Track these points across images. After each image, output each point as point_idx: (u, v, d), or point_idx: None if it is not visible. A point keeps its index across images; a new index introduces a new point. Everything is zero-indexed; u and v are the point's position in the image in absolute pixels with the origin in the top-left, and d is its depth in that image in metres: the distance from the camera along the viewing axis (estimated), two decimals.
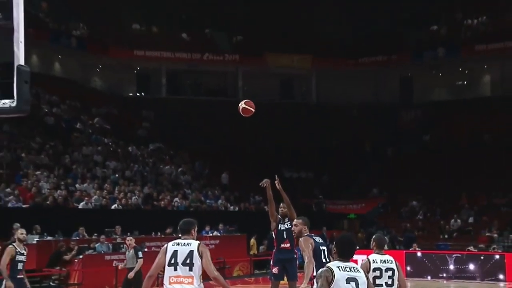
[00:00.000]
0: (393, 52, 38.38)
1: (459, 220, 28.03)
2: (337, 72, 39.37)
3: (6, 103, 5.16)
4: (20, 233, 10.42)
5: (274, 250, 10.19)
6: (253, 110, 8.46)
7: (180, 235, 6.62)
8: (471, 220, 28.19)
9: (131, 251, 13.25)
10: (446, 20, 38.89)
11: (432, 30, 38.82)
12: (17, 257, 10.09)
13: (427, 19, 38.80)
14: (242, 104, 8.56)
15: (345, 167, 33.79)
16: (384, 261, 6.76)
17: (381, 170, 34.18)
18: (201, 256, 6.34)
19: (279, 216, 10.18)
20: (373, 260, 6.76)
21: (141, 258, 12.91)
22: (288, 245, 9.96)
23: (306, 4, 39.54)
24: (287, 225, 10.00)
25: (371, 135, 36.82)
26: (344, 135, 36.40)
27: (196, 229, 6.69)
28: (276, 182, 9.77)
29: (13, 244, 10.34)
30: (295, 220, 8.35)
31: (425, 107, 37.92)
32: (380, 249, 6.94)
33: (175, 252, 6.37)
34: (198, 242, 6.49)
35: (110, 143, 27.87)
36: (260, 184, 9.92)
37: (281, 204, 10.12)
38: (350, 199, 31.89)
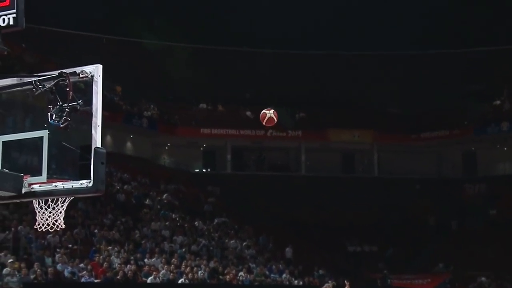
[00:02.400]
0: (456, 127, 37.82)
1: None
2: (399, 146, 38.94)
3: (84, 183, 5.35)
4: None
5: None
6: (275, 121, 8.47)
7: None
8: None
9: None
10: (509, 95, 38.24)
11: (495, 105, 38.25)
12: None
13: (489, 93, 38.29)
14: (270, 113, 8.45)
15: (409, 241, 32.81)
16: None
17: (446, 244, 32.99)
18: None
19: None
20: None
21: None
22: None
23: (366, 80, 39.77)
24: None
25: (434, 209, 35.84)
26: (407, 208, 35.55)
27: None
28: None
29: None
30: None
31: (489, 181, 36.80)
32: None
33: None
34: None
35: (177, 218, 28.14)
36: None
37: None
38: (415, 274, 30.76)
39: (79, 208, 23.65)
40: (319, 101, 39.48)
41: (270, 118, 8.11)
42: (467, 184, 37.55)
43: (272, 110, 8.31)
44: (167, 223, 26.71)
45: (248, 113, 39.62)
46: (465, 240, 32.40)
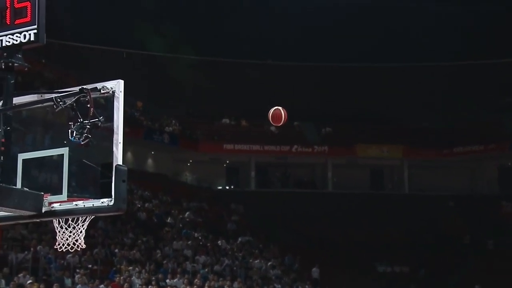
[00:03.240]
0: (491, 141, 37.34)
1: None
2: (430, 162, 38.57)
3: (105, 202, 5.39)
4: None
5: None
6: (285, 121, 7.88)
7: None
8: None
9: None
10: None
11: None
12: None
13: None
14: (283, 111, 7.94)
15: (443, 261, 32.32)
16: None
17: (482, 264, 32.44)
18: None
19: None
20: None
21: None
22: None
23: (395, 92, 39.59)
24: None
25: (469, 227, 35.32)
26: (440, 227, 35.10)
27: None
28: None
29: None
30: None
31: None
32: None
33: None
34: None
35: (200, 237, 28.16)
36: None
37: None
38: None
39: (99, 227, 23.81)
40: (346, 115, 39.39)
41: (275, 115, 7.54)
42: (504, 201, 36.97)
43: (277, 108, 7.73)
44: (189, 242, 26.73)
45: (273, 128, 39.64)
46: (502, 260, 31.82)
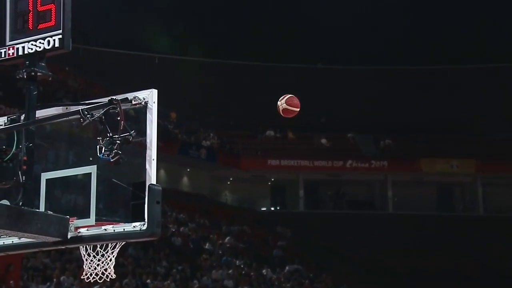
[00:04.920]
0: None
1: None
2: (508, 178, 37.84)
3: (137, 226, 5.44)
4: None
5: None
6: (297, 110, 6.99)
7: None
8: None
9: None
10: None
11: None
12: None
13: None
14: (283, 104, 7.10)
15: None
16: None
17: None
18: None
19: None
20: None
21: None
22: None
23: (466, 99, 39.09)
24: None
25: None
26: None
27: None
28: None
29: None
30: None
31: None
32: None
33: None
34: None
35: (242, 265, 28.18)
36: None
37: None
38: None
39: (129, 255, 24.05)
40: (409, 125, 39.02)
41: (284, 110, 6.78)
42: None
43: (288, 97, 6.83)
44: (230, 271, 26.76)
45: (323, 140, 39.55)
46: None
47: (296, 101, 7.30)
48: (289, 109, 7.24)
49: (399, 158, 38.37)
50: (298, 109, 7.12)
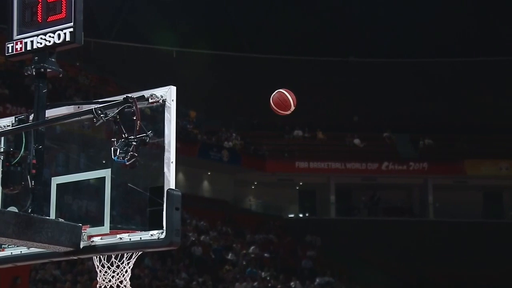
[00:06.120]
0: None
1: None
2: None
3: (154, 234, 5.46)
4: None
5: None
6: (292, 106, 6.18)
7: None
8: None
9: None
10: None
11: None
12: None
13: None
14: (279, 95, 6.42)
15: None
16: None
17: None
18: None
19: None
20: None
21: None
22: None
23: None
24: None
25: None
26: None
27: None
28: None
29: None
30: None
31: None
32: None
33: None
34: None
35: (268, 278, 28.18)
36: None
37: None
38: None
39: (146, 266, 24.18)
40: (452, 122, 38.75)
41: (278, 101, 6.11)
42: None
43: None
44: (255, 283, 26.78)
45: (357, 141, 39.39)
46: None
47: (287, 99, 6.67)
48: (282, 99, 6.59)
49: (440, 160, 38.11)
50: (292, 106, 6.49)
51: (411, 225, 37.04)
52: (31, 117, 5.85)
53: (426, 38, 41.20)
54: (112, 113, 5.45)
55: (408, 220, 37.38)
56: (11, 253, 5.98)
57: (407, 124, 39.61)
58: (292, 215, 39.39)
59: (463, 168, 38.10)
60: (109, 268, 5.90)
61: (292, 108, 6.69)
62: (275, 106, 6.71)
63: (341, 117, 40.45)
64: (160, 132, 5.52)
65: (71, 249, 5.66)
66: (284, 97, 6.68)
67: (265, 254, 30.60)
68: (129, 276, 5.93)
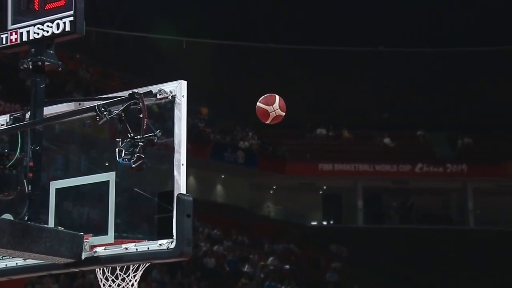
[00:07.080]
0: None
1: None
2: None
3: (163, 244, 5.48)
4: None
5: None
6: (277, 101, 6.03)
7: None
8: None
9: None
10: None
11: None
12: None
13: None
14: (276, 110, 6.26)
15: None
16: None
17: None
18: None
19: None
20: None
21: None
22: None
23: None
24: None
25: None
26: None
27: None
28: None
29: None
30: None
31: None
32: None
33: None
34: None
35: None
36: None
37: None
38: None
39: (153, 279, 24.25)
40: (493, 120, 38.61)
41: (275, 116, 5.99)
42: None
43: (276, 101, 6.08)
44: None
45: (387, 140, 39.33)
46: None
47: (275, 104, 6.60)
48: (282, 115, 6.55)
49: (481, 161, 38.01)
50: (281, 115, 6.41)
51: (449, 235, 36.94)
52: (27, 115, 5.86)
53: (460, 24, 40.98)
54: (116, 110, 5.45)
55: (445, 228, 37.29)
56: (6, 265, 6.01)
57: (443, 121, 39.50)
58: (315, 223, 39.42)
59: (506, 170, 37.95)
60: (113, 281, 5.93)
61: (277, 102, 6.61)
62: (262, 103, 6.59)
63: (369, 114, 40.38)
64: (169, 132, 5.53)
65: (71, 260, 5.68)
66: (270, 95, 6.63)
67: (285, 266, 30.62)
68: None
